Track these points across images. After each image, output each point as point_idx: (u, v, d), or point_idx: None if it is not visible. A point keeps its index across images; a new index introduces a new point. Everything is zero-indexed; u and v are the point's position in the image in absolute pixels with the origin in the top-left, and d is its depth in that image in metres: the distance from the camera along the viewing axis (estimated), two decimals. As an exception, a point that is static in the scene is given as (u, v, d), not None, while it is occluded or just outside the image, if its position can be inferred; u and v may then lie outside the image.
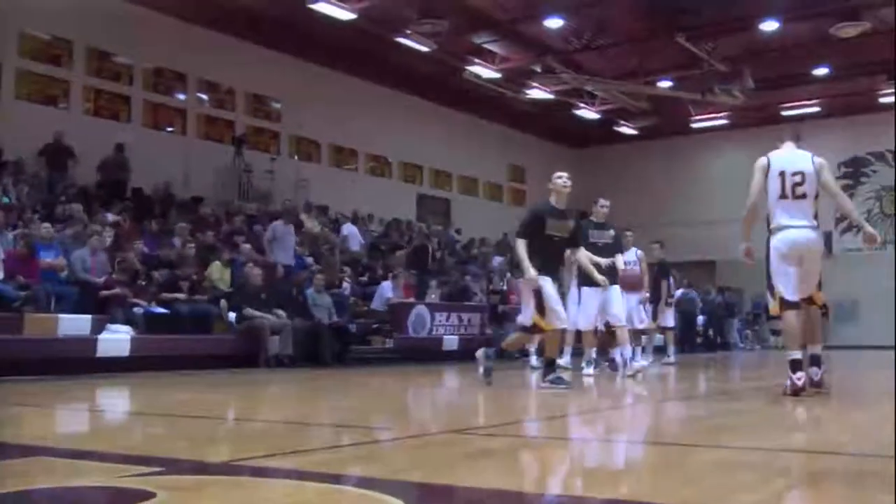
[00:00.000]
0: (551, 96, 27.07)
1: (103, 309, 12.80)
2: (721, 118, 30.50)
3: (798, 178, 7.64)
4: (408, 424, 6.65)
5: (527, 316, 9.14)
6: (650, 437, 5.70)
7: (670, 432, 6.03)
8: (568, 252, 10.00)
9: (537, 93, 26.76)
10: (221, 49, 21.80)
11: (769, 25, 22.62)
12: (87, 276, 13.13)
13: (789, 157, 7.81)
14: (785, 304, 7.62)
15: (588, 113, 29.13)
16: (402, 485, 3.60)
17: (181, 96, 22.09)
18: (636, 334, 13.86)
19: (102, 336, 12.30)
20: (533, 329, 9.22)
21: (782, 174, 7.66)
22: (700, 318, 25.61)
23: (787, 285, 7.63)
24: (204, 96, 22.67)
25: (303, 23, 20.92)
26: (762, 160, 7.84)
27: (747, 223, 7.95)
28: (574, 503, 3.43)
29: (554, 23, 22.57)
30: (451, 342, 18.37)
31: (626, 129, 31.81)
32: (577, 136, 33.43)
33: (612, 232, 12.01)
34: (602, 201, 11.96)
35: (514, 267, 14.57)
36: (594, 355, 11.94)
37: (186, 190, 20.07)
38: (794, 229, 7.63)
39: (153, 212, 18.08)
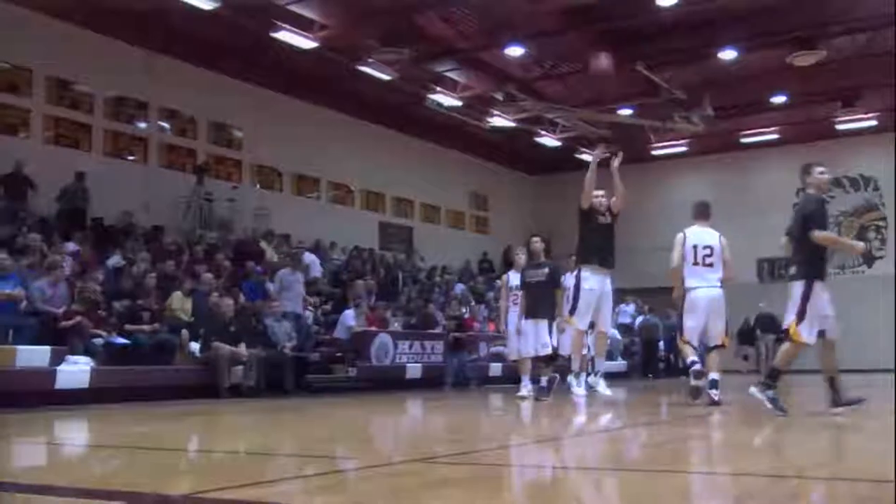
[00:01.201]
0: (512, 124, 27.19)
1: (63, 340, 12.65)
2: (681, 145, 30.75)
3: (707, 251, 10.19)
4: (372, 454, 6.63)
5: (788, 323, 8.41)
6: (613, 464, 5.71)
7: (633, 458, 6.04)
8: None
9: (499, 120, 26.86)
10: (183, 77, 21.74)
11: (728, 54, 22.90)
12: (47, 306, 12.99)
13: (700, 234, 10.34)
14: (687, 344, 10.26)
15: (549, 140, 29.26)
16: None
17: (142, 124, 21.94)
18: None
19: (62, 367, 12.16)
20: (790, 338, 8.34)
21: (695, 247, 10.20)
22: (661, 344, 25.71)
23: (692, 331, 10.23)
24: (165, 125, 22.54)
25: (265, 51, 20.94)
26: (680, 235, 10.38)
27: (675, 280, 10.40)
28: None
29: (514, 51, 22.72)
30: (414, 370, 18.35)
31: (587, 157, 31.92)
32: (538, 163, 33.60)
33: (546, 269, 12.38)
34: (535, 238, 12.97)
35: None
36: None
37: (147, 219, 19.93)
38: (702, 289, 10.17)
39: (114, 241, 17.93)
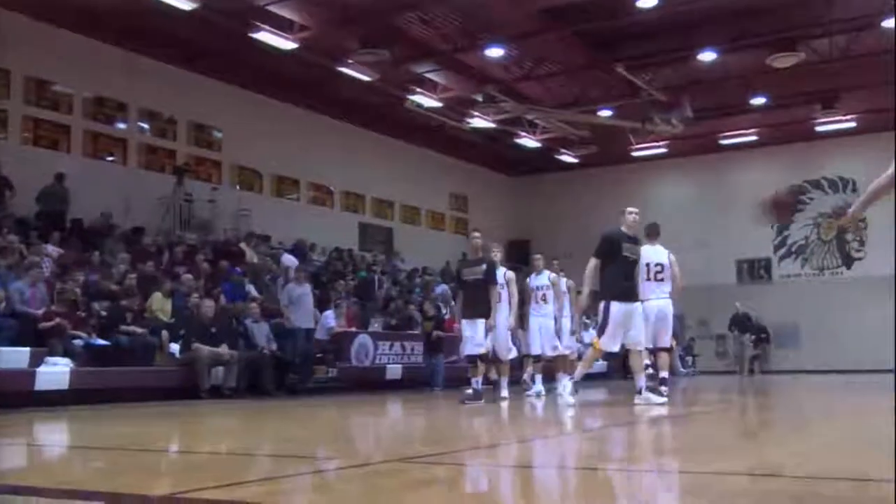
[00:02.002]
0: (493, 125, 27.22)
1: (42, 341, 12.61)
2: (660, 147, 30.82)
3: (658, 268, 11.69)
4: (352, 454, 6.63)
5: None
6: (591, 463, 5.72)
7: (613, 457, 6.06)
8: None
9: (479, 121, 26.89)
10: (162, 78, 21.68)
11: (707, 56, 22.99)
12: (26, 307, 12.94)
13: (652, 252, 11.69)
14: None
15: (529, 141, 29.30)
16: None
17: (122, 125, 21.86)
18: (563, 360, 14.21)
19: (41, 369, 12.13)
20: None
21: (648, 265, 11.55)
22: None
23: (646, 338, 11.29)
24: (145, 125, 22.47)
25: (244, 52, 20.89)
26: None
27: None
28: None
29: (494, 52, 22.74)
30: (394, 371, 18.35)
31: (567, 158, 32.02)
32: (518, 164, 33.64)
33: (483, 267, 12.24)
34: (475, 234, 12.93)
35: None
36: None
37: (127, 220, 19.84)
38: (654, 300, 11.51)
39: (94, 242, 17.85)
